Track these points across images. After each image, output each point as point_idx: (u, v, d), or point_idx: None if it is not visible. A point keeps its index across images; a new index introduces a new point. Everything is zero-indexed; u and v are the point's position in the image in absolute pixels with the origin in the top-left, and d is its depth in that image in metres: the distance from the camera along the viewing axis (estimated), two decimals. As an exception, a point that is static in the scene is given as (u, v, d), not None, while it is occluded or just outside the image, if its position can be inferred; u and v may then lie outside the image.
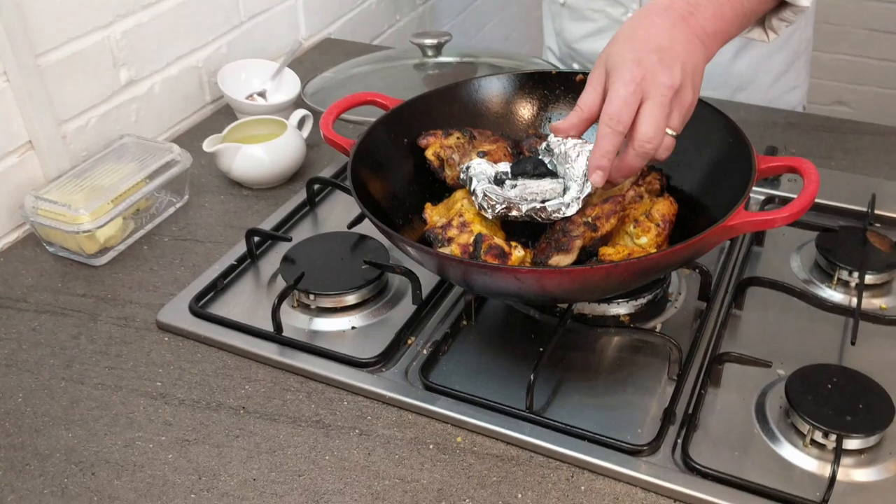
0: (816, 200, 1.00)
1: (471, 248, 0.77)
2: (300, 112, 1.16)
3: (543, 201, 0.79)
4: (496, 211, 0.79)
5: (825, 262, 0.92)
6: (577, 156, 0.78)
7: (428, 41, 1.28)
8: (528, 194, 0.80)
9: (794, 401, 0.73)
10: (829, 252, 0.92)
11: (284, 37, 1.46)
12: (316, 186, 1.07)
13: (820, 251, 0.93)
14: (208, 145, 1.07)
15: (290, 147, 1.10)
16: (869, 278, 0.89)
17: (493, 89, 0.97)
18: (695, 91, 0.74)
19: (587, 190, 0.78)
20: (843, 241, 0.93)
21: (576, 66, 1.39)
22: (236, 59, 1.32)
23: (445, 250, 0.79)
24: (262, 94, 1.26)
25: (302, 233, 1.02)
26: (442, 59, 1.32)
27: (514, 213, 0.79)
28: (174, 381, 0.82)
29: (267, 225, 1.03)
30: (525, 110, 0.98)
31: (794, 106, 1.36)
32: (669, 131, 0.73)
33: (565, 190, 0.80)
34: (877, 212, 0.99)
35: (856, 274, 0.90)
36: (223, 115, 1.30)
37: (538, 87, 0.97)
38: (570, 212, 0.77)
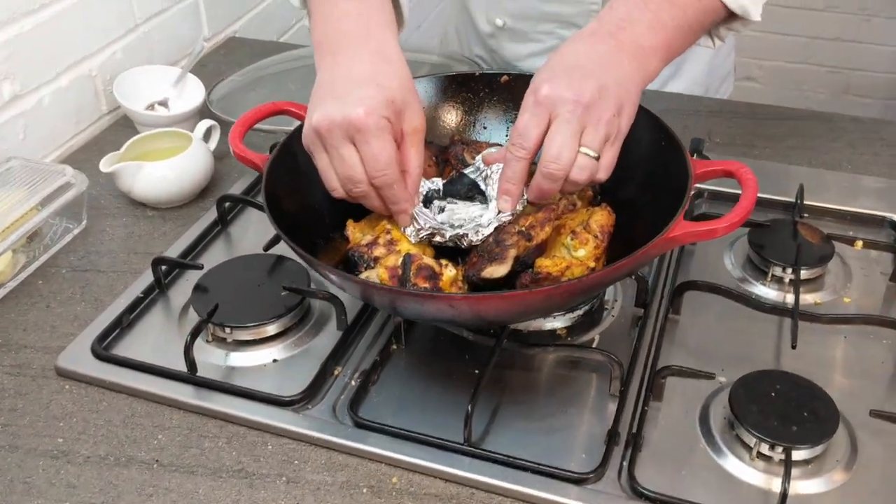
0: (745, 193, 0.99)
1: (399, 271, 0.72)
2: (206, 122, 1.08)
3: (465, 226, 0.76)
4: (420, 236, 0.75)
5: (758, 259, 0.91)
6: (497, 180, 0.76)
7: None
8: (456, 220, 0.77)
9: (739, 412, 0.71)
10: (762, 248, 0.91)
11: (186, 38, 1.36)
12: (227, 204, 0.99)
13: (752, 247, 0.91)
14: (105, 165, 0.99)
15: (197, 161, 1.03)
16: (803, 273, 0.88)
17: (411, 94, 0.92)
18: (618, 106, 0.70)
19: (504, 217, 0.74)
20: (774, 236, 0.92)
21: None
22: (135, 65, 1.23)
23: (372, 272, 0.73)
24: (163, 104, 1.17)
25: (214, 256, 0.95)
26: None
27: (437, 238, 0.76)
28: (77, 435, 0.75)
29: (176, 249, 0.95)
30: (449, 115, 0.93)
31: (730, 71, 1.37)
32: (586, 150, 0.68)
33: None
34: (805, 202, 0.98)
35: (789, 270, 0.88)
36: (123, 126, 1.21)
37: (461, 89, 0.93)
38: (488, 232, 0.74)
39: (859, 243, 0.92)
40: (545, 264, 0.72)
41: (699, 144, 1.06)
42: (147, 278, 0.90)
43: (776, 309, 0.83)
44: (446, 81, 0.91)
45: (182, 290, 0.90)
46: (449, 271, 0.72)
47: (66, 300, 0.90)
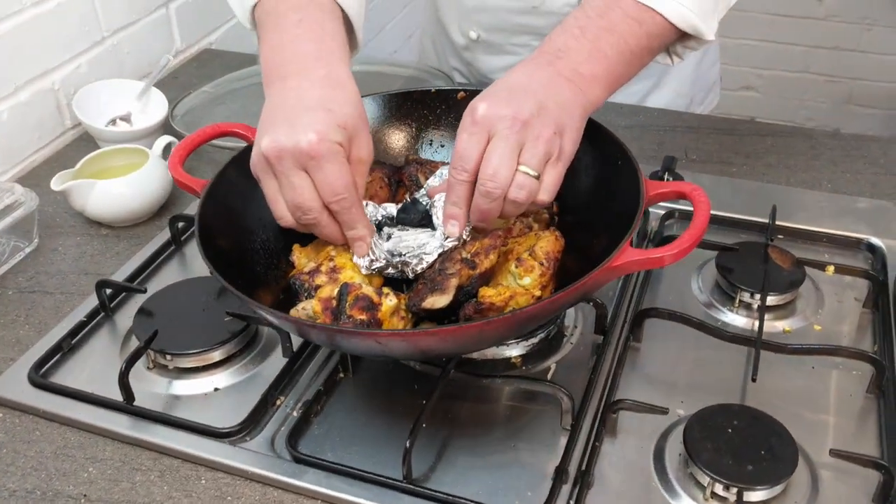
0: (716, 213, 0.96)
1: (334, 303, 0.68)
2: (165, 139, 1.05)
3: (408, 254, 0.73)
4: (373, 268, 0.72)
5: (726, 284, 0.87)
6: (441, 207, 0.73)
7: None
8: (403, 248, 0.74)
9: (693, 450, 0.68)
10: (730, 272, 0.87)
11: (158, 50, 1.34)
12: (180, 224, 0.97)
13: (720, 272, 0.88)
14: (57, 183, 0.96)
15: (154, 179, 1.00)
16: (771, 299, 0.84)
17: (367, 111, 0.89)
18: (558, 126, 0.67)
19: (451, 242, 0.71)
20: (743, 260, 0.88)
21: None
22: (102, 78, 1.21)
23: (308, 305, 0.70)
24: (126, 119, 1.15)
25: (166, 278, 0.92)
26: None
27: (390, 270, 0.73)
28: (6, 467, 0.72)
29: (127, 270, 0.92)
30: (403, 133, 0.90)
31: (715, 80, 1.34)
32: (525, 168, 0.65)
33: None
34: (778, 223, 0.95)
35: (758, 296, 0.85)
36: (87, 142, 1.18)
37: (417, 106, 0.90)
38: (432, 259, 0.71)
39: (831, 268, 0.88)
40: (488, 294, 0.69)
41: (671, 162, 1.02)
42: (93, 301, 0.87)
43: (739, 338, 0.79)
44: (401, 98, 0.88)
45: (129, 313, 0.87)
46: (389, 301, 0.69)
47: (9, 323, 0.87)
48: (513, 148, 0.65)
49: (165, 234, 0.97)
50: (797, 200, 1.01)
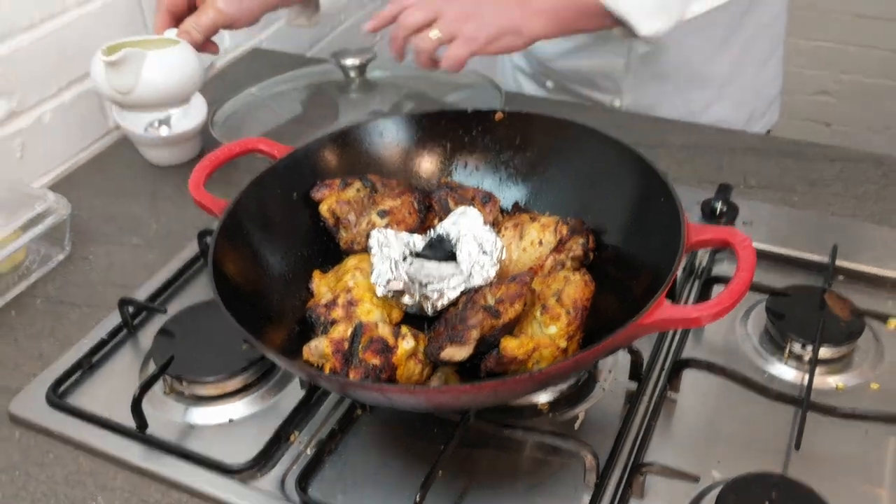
0: (772, 250, 0.90)
1: (346, 345, 0.65)
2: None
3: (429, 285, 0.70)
4: (389, 288, 0.70)
5: (776, 332, 0.81)
6: (466, 243, 0.69)
7: (349, 61, 1.15)
8: (424, 276, 0.70)
9: (725, 524, 0.63)
10: (781, 319, 0.81)
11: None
12: (209, 239, 0.94)
13: (770, 318, 0.81)
14: (106, 54, 0.92)
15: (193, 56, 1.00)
16: (825, 352, 0.78)
17: (398, 132, 0.85)
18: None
19: (474, 282, 0.68)
20: (797, 306, 0.82)
21: (549, 85, 1.28)
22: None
23: (320, 343, 0.67)
24: (165, 122, 1.14)
25: (193, 295, 0.90)
26: (371, 76, 1.20)
27: (406, 298, 0.70)
28: (17, 491, 0.71)
29: (154, 284, 0.91)
30: (436, 154, 0.86)
31: (776, 96, 1.29)
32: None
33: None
34: (840, 263, 0.88)
35: (810, 347, 0.78)
36: (127, 144, 1.17)
37: (452, 126, 0.86)
38: (453, 296, 0.69)
39: (893, 322, 0.81)
40: (510, 346, 0.65)
41: (727, 192, 0.96)
42: (116, 318, 0.86)
43: (785, 397, 0.73)
44: (435, 119, 0.85)
45: (153, 331, 0.85)
46: (406, 344, 0.65)
47: (34, 335, 0.87)
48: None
49: (194, 248, 0.95)
50: (864, 237, 0.93)
